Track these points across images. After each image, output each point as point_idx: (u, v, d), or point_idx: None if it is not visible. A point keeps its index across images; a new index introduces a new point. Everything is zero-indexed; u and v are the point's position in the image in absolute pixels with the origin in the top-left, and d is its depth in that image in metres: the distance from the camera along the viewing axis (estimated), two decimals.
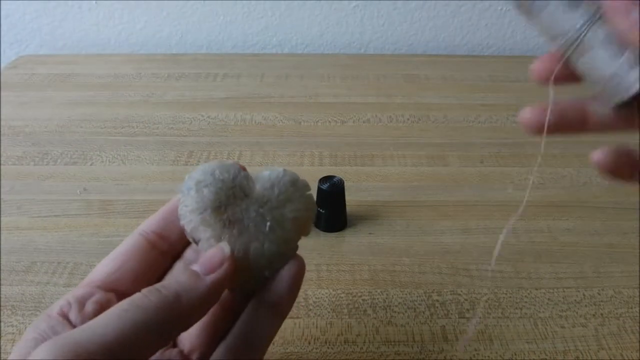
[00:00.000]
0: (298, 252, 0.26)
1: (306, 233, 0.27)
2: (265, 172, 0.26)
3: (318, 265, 0.43)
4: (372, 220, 0.47)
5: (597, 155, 0.24)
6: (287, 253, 0.26)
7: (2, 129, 0.61)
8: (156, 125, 0.62)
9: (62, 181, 0.53)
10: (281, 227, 0.25)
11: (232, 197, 0.25)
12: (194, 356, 0.25)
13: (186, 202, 0.25)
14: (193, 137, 0.60)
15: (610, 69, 0.22)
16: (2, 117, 0.64)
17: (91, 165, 0.55)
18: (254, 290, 0.25)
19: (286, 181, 0.26)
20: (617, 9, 0.21)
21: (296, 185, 0.26)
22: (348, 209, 0.47)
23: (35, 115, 0.64)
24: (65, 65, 0.78)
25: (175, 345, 0.26)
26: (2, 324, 0.37)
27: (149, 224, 0.27)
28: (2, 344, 0.36)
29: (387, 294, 0.40)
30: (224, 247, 0.24)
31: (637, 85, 0.22)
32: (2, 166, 0.55)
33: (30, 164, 0.55)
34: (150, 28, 0.85)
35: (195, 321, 0.23)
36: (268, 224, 0.25)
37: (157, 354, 0.24)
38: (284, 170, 0.26)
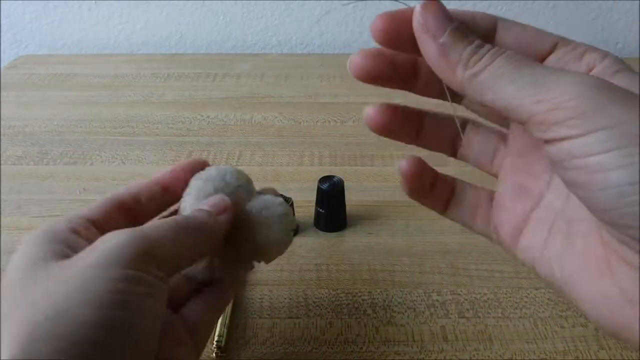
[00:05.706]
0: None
1: (267, 260, 0.29)
2: (267, 195, 0.29)
3: (318, 265, 0.42)
4: (372, 220, 0.47)
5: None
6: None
7: (2, 129, 0.61)
8: (156, 125, 0.62)
9: (62, 181, 0.53)
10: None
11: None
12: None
13: (190, 188, 0.29)
14: (193, 137, 0.60)
15: None
16: (2, 117, 0.64)
17: (91, 165, 0.55)
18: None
19: (278, 212, 0.28)
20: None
21: (283, 218, 0.29)
22: (348, 208, 0.47)
23: (35, 115, 0.64)
24: (65, 65, 0.78)
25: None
26: None
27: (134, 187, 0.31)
28: None
29: (386, 294, 0.40)
30: (225, 198, 0.27)
31: None
32: (2, 166, 0.55)
33: (30, 164, 0.55)
34: (150, 28, 0.85)
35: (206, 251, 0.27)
36: None
37: None
38: (282, 201, 0.29)
